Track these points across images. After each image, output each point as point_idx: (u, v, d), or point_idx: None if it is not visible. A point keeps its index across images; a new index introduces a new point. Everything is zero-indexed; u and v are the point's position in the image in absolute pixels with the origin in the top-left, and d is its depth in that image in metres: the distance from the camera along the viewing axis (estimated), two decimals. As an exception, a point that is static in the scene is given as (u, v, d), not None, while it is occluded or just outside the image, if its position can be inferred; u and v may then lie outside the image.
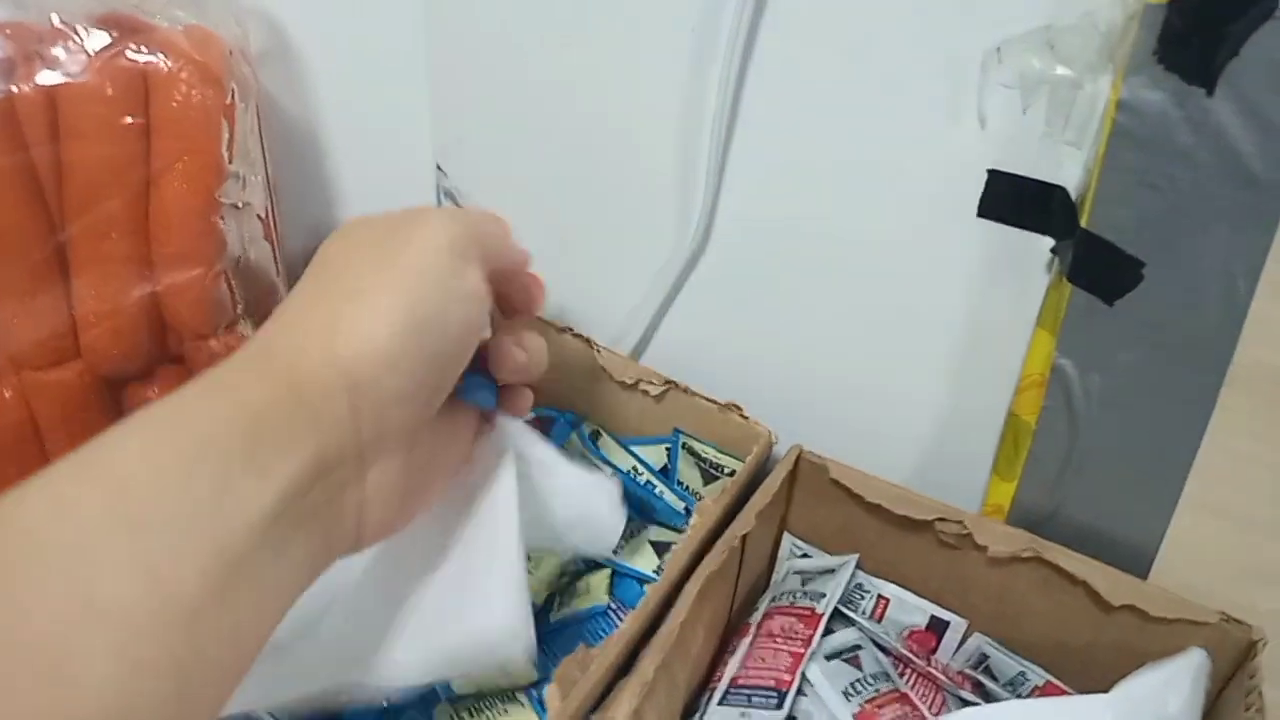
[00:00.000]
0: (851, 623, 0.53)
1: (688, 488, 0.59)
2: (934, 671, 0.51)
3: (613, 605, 0.52)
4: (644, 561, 0.54)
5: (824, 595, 0.52)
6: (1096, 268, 0.43)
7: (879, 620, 0.54)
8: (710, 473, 0.58)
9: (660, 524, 0.57)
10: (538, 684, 0.48)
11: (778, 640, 0.50)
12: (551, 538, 0.45)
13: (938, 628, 0.53)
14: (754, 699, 0.47)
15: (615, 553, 0.54)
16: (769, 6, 0.47)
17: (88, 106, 0.46)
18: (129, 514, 0.24)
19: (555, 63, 0.56)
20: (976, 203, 0.46)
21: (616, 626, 0.43)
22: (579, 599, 0.52)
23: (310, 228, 0.64)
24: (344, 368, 0.29)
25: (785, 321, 0.56)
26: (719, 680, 0.49)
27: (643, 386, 0.58)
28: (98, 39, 0.46)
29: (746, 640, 0.51)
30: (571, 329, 0.59)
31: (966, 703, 0.50)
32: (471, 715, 0.47)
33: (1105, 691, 0.40)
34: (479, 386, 0.40)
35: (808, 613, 0.51)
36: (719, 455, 0.57)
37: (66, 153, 0.46)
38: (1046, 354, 0.46)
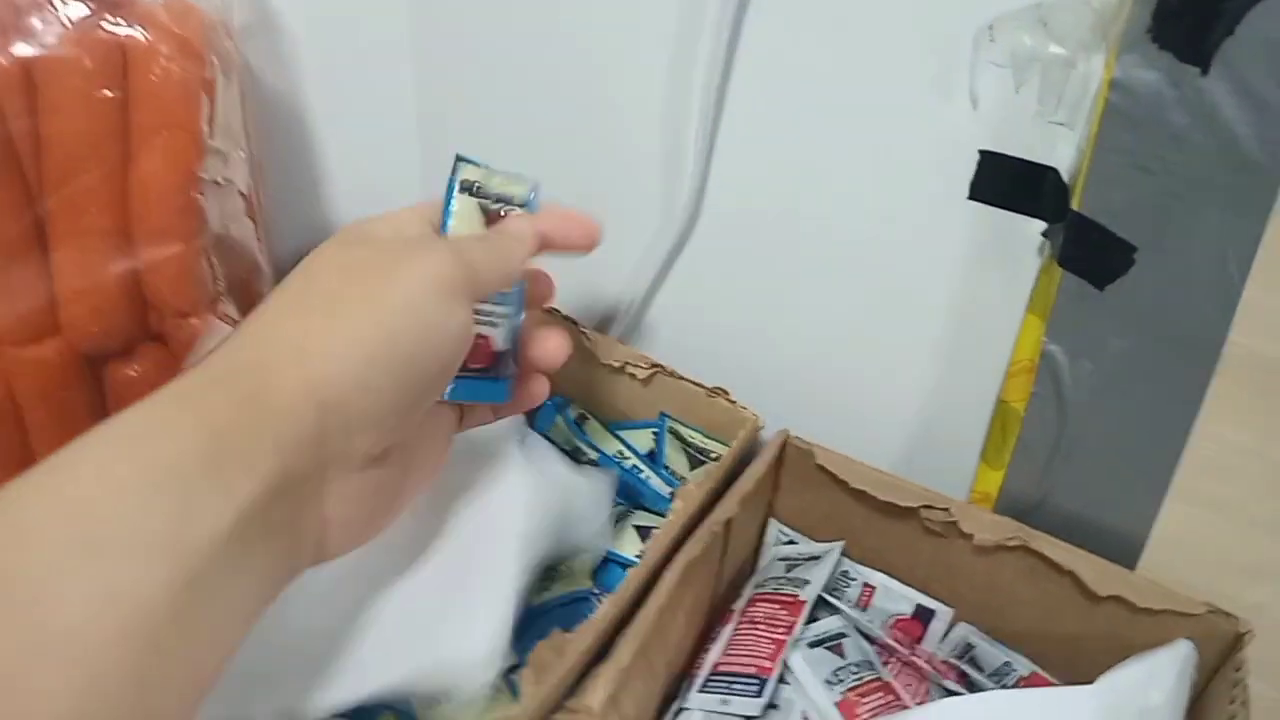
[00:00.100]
0: (836, 611, 0.52)
1: (674, 473, 0.58)
2: (918, 661, 0.50)
3: (595, 590, 0.51)
4: (628, 546, 0.54)
5: (808, 582, 0.51)
6: (1087, 252, 0.42)
7: (865, 608, 0.53)
8: (697, 458, 0.58)
9: (646, 509, 0.56)
10: (515, 668, 0.47)
11: (760, 627, 0.50)
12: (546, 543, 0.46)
13: (924, 616, 0.53)
14: (735, 686, 0.47)
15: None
16: (758, -18, 0.47)
17: (65, 79, 0.45)
18: (87, 537, 0.24)
19: (541, 40, 0.55)
20: (967, 184, 0.45)
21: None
22: (561, 583, 0.52)
23: (295, 206, 0.64)
24: (314, 388, 0.29)
25: (773, 305, 0.56)
26: (700, 667, 0.49)
27: (629, 370, 0.57)
28: (75, 9, 0.45)
29: (729, 627, 0.50)
30: (558, 311, 0.58)
31: (951, 693, 0.50)
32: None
33: (1092, 682, 0.40)
34: (491, 383, 0.40)
35: (791, 600, 0.50)
36: (706, 440, 0.57)
37: (44, 126, 0.46)
38: (1036, 339, 0.45)
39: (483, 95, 0.58)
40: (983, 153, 0.44)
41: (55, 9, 0.45)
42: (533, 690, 0.39)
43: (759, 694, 0.46)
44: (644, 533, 0.54)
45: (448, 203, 0.38)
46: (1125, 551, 0.47)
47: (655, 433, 0.59)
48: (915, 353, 0.51)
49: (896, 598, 0.53)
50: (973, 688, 0.50)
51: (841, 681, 0.48)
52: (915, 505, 0.49)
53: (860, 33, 0.45)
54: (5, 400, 0.51)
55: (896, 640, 0.51)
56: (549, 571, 0.53)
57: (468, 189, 0.39)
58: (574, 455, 0.57)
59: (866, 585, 0.54)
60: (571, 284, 0.60)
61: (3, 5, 0.45)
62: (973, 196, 0.45)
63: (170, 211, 0.49)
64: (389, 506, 0.35)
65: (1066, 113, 0.41)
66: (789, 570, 0.53)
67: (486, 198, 0.39)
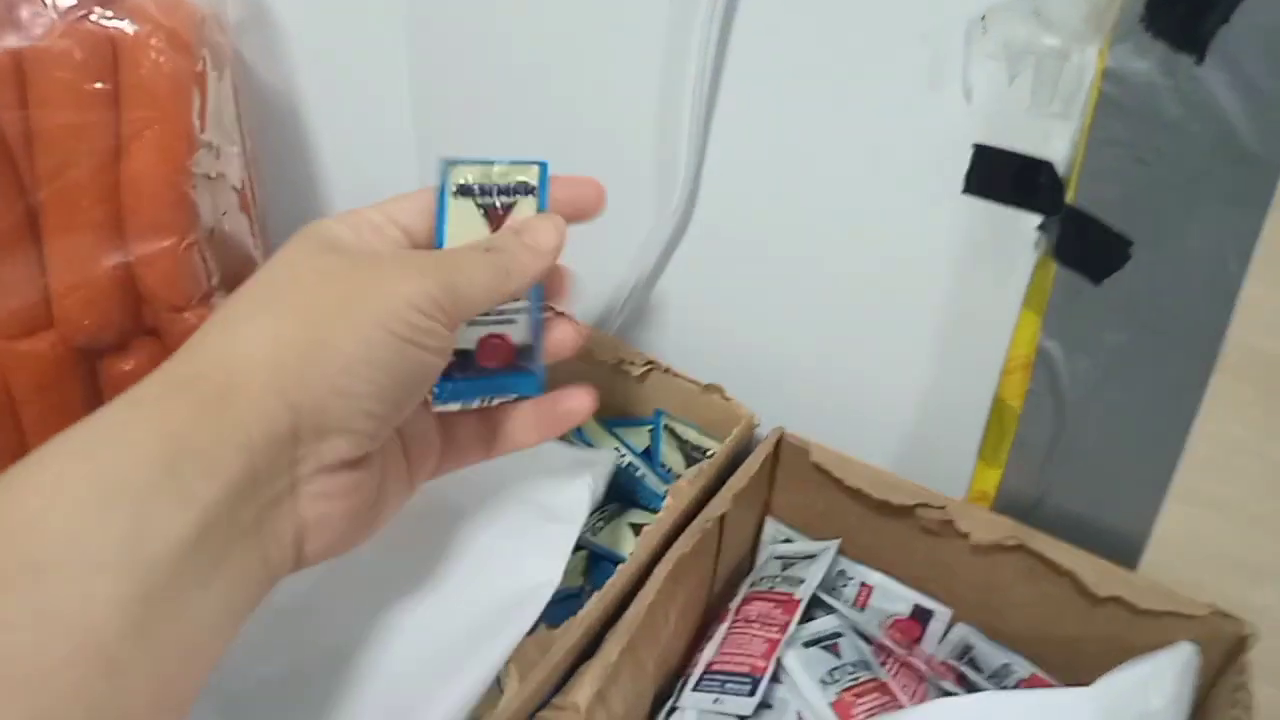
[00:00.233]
0: (833, 610, 0.52)
1: (670, 470, 0.58)
2: (915, 661, 0.50)
3: (587, 588, 0.51)
4: (623, 544, 0.53)
5: (803, 581, 0.50)
6: (1083, 246, 0.41)
7: (862, 608, 0.53)
8: (693, 455, 0.57)
9: (642, 507, 0.56)
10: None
11: (754, 626, 0.49)
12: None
13: (922, 616, 0.52)
14: (728, 685, 0.47)
15: (594, 534, 0.53)
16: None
17: (55, 71, 0.45)
18: (34, 557, 0.23)
19: (535, 35, 0.55)
20: (961, 178, 0.44)
21: (592, 611, 0.42)
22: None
23: (291, 200, 0.64)
24: (287, 391, 0.28)
25: (767, 302, 0.55)
26: (694, 665, 0.48)
27: (624, 367, 0.57)
28: (65, 1, 0.45)
29: (724, 625, 0.50)
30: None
31: (948, 694, 0.49)
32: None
33: (1091, 685, 0.39)
34: (519, 378, 0.38)
35: (785, 598, 0.50)
36: (701, 437, 0.56)
37: (34, 118, 0.46)
38: (1032, 336, 0.45)
39: (478, 88, 0.58)
40: (976, 146, 0.43)
41: (45, 1, 0.45)
42: (517, 688, 0.39)
43: (752, 693, 0.46)
44: (640, 531, 0.54)
45: (440, 212, 0.36)
46: (1125, 551, 0.46)
47: (651, 430, 0.58)
48: (911, 349, 0.51)
49: (894, 597, 0.52)
50: (971, 689, 0.49)
51: (837, 681, 0.47)
52: (911, 504, 0.49)
53: (852, 25, 0.45)
54: (0, 395, 0.52)
55: (894, 640, 0.51)
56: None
57: (464, 192, 0.36)
58: (569, 452, 0.56)
59: (864, 584, 0.53)
60: (566, 280, 0.60)
61: (-6, -3, 0.45)
62: (967, 190, 0.44)
63: (162, 205, 0.49)
64: (370, 511, 0.33)
65: (1061, 105, 0.40)
66: (784, 568, 0.53)
67: (488, 195, 0.37)
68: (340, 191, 0.66)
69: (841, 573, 0.53)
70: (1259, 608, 0.43)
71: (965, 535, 0.48)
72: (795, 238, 0.52)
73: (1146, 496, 0.45)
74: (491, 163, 0.37)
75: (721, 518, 0.48)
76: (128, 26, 0.46)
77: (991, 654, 0.50)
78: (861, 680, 0.48)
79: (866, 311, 0.52)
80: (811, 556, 0.53)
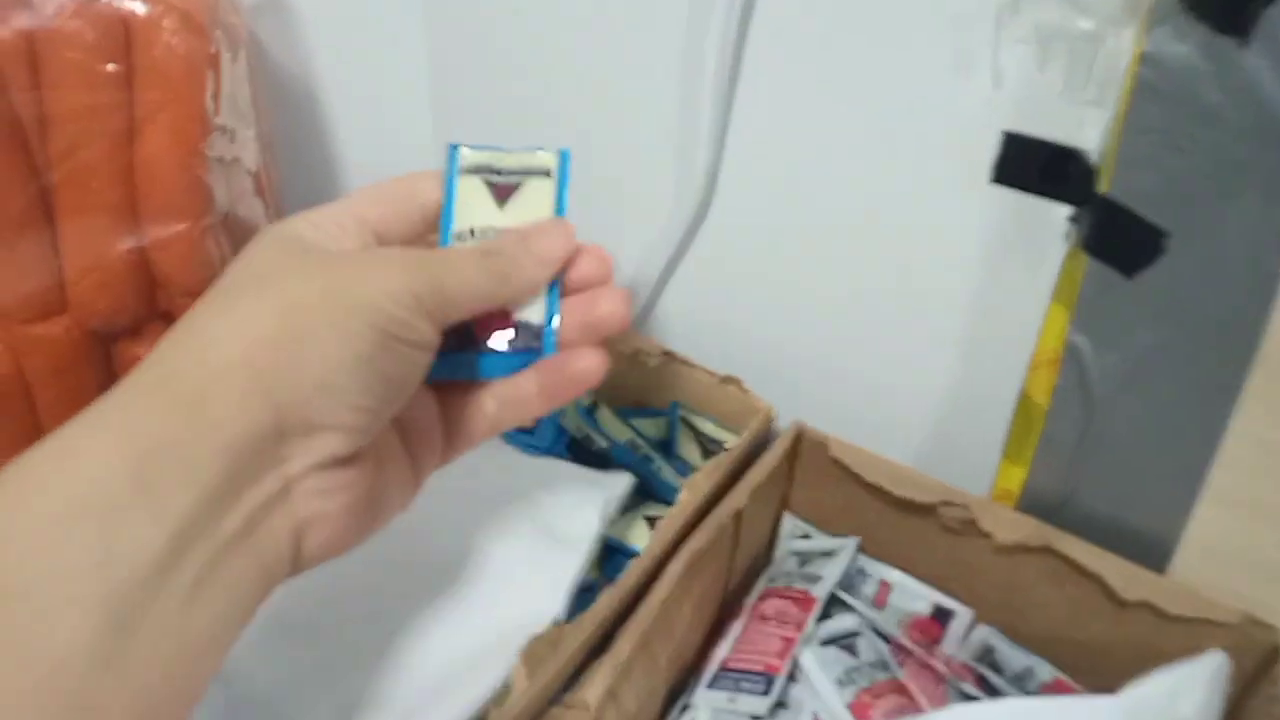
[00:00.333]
0: (850, 608, 0.51)
1: (686, 462, 0.57)
2: (935, 662, 0.48)
3: (601, 580, 0.50)
4: (638, 538, 0.52)
5: (821, 578, 0.50)
6: (1116, 238, 0.40)
7: (880, 606, 0.52)
8: (709, 447, 0.56)
9: (657, 499, 0.55)
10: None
11: (770, 623, 0.48)
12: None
13: (942, 616, 0.51)
14: (742, 683, 0.46)
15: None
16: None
17: (67, 52, 0.45)
18: None
19: (552, 18, 0.54)
20: (989, 167, 0.43)
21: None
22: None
23: (307, 184, 0.63)
24: (269, 388, 0.27)
25: (787, 292, 0.54)
26: (709, 662, 0.47)
27: (641, 357, 0.56)
28: (77, -18, 0.45)
29: (740, 622, 0.49)
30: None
31: (968, 697, 0.48)
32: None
33: (1117, 692, 0.38)
34: (527, 356, 0.35)
35: (802, 596, 0.49)
36: (718, 430, 0.55)
37: (47, 99, 0.46)
38: (1061, 330, 0.43)
39: (495, 72, 0.57)
40: (1005, 134, 0.42)
41: (58, -19, 0.44)
42: (526, 686, 0.38)
43: (766, 692, 0.45)
44: (654, 524, 0.53)
45: (449, 194, 0.34)
46: (1155, 554, 0.45)
47: (668, 421, 0.57)
48: (934, 343, 0.50)
49: (914, 596, 0.51)
50: (992, 692, 0.48)
51: (854, 682, 0.47)
52: (933, 501, 0.48)
53: (876, 8, 0.44)
54: (15, 379, 0.52)
55: (913, 640, 0.49)
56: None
57: (473, 170, 0.35)
58: (584, 443, 0.56)
59: (883, 582, 0.52)
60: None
61: (6, -23, 0.45)
62: (995, 180, 0.43)
63: (175, 189, 0.49)
64: (371, 507, 0.32)
65: (1094, 91, 0.38)
66: (801, 565, 0.52)
67: (498, 173, 0.36)
68: (357, 175, 0.65)
69: (860, 570, 0.52)
70: (1294, 615, 0.41)
71: (988, 535, 0.46)
72: (816, 228, 0.51)
73: (1178, 497, 0.44)
74: (504, 151, 0.36)
75: (738, 513, 0.47)
76: (140, 7, 0.46)
77: (1014, 656, 0.49)
78: (880, 681, 0.47)
79: (889, 303, 0.51)
80: (830, 553, 0.52)
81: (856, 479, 0.49)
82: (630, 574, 0.42)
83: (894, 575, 0.52)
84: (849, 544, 0.52)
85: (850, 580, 0.52)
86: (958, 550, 0.48)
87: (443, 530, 0.44)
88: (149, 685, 0.24)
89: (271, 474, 0.27)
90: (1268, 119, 0.35)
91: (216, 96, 0.49)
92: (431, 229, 0.36)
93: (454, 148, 0.35)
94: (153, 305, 0.53)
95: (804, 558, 0.52)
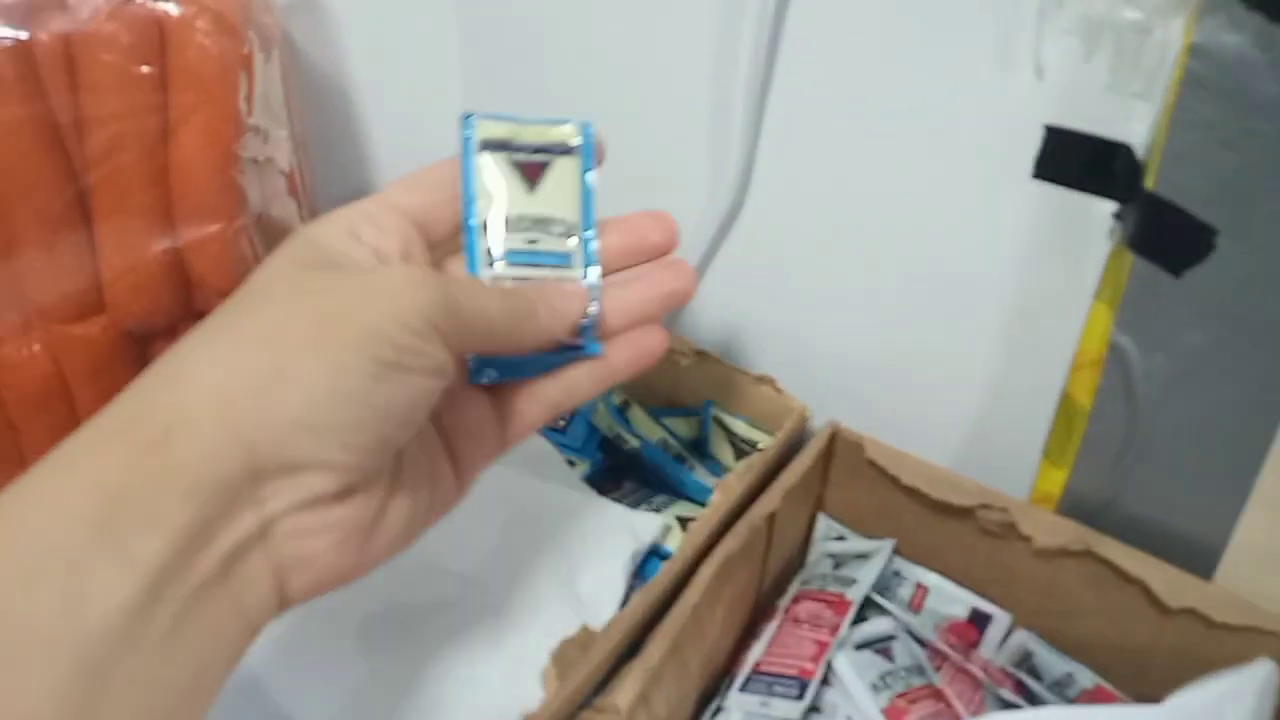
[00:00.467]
0: (886, 612, 0.50)
1: (719, 463, 0.56)
2: (972, 667, 0.48)
3: (632, 582, 0.50)
4: (670, 539, 0.52)
5: (855, 581, 0.49)
6: (1163, 235, 0.39)
7: (916, 610, 0.51)
8: (742, 448, 0.56)
9: (690, 500, 0.55)
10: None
11: (804, 627, 0.48)
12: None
13: (979, 621, 0.50)
14: (775, 688, 0.45)
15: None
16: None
17: (103, 54, 0.45)
18: None
19: (585, 14, 0.53)
20: (1031, 162, 0.42)
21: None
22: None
23: (340, 184, 0.63)
24: (239, 431, 0.25)
25: (822, 291, 0.54)
26: (741, 666, 0.47)
27: (674, 356, 0.55)
28: (112, -16, 0.45)
29: (773, 625, 0.48)
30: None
31: (1006, 703, 0.47)
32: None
33: (1161, 701, 0.37)
34: (569, 353, 0.34)
35: (837, 599, 0.48)
36: (751, 430, 0.55)
37: (84, 102, 0.46)
38: (1104, 330, 0.42)
39: (527, 69, 0.57)
40: (1048, 128, 0.41)
41: (93, -17, 0.45)
42: (557, 689, 0.38)
43: (800, 696, 0.44)
44: (687, 525, 0.53)
45: (466, 171, 0.32)
46: (1201, 560, 0.44)
47: (700, 420, 0.57)
48: (973, 342, 0.49)
49: (950, 600, 0.50)
50: (1031, 699, 0.47)
51: (889, 686, 0.46)
52: (971, 504, 0.47)
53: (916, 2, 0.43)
54: (54, 378, 0.52)
55: (950, 645, 0.49)
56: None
57: (493, 147, 0.33)
58: (616, 443, 0.55)
59: (919, 585, 0.51)
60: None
61: (43, -20, 0.46)
62: (1038, 175, 0.42)
63: (209, 190, 0.49)
64: (371, 541, 0.29)
65: (1142, 83, 0.37)
66: (836, 568, 0.51)
67: (522, 151, 0.33)
68: (390, 174, 0.65)
69: (896, 573, 0.52)
70: (1347, 624, 0.40)
71: (1028, 539, 0.46)
72: (852, 225, 0.51)
73: (1225, 502, 0.43)
74: (523, 121, 0.33)
75: (771, 515, 0.46)
76: (174, 9, 0.46)
77: (1053, 662, 0.48)
78: (915, 686, 0.46)
79: (927, 301, 0.50)
80: (865, 555, 0.51)
81: (893, 480, 0.49)
82: (662, 576, 0.42)
83: (930, 578, 0.51)
84: (885, 546, 0.51)
85: (886, 583, 0.51)
86: (996, 554, 0.47)
87: (449, 581, 0.43)
88: None
89: (248, 514, 0.26)
90: (1323, 113, 0.34)
91: (250, 97, 0.49)
92: None
93: (467, 116, 0.33)
94: (188, 306, 0.53)
95: (839, 560, 0.52)
